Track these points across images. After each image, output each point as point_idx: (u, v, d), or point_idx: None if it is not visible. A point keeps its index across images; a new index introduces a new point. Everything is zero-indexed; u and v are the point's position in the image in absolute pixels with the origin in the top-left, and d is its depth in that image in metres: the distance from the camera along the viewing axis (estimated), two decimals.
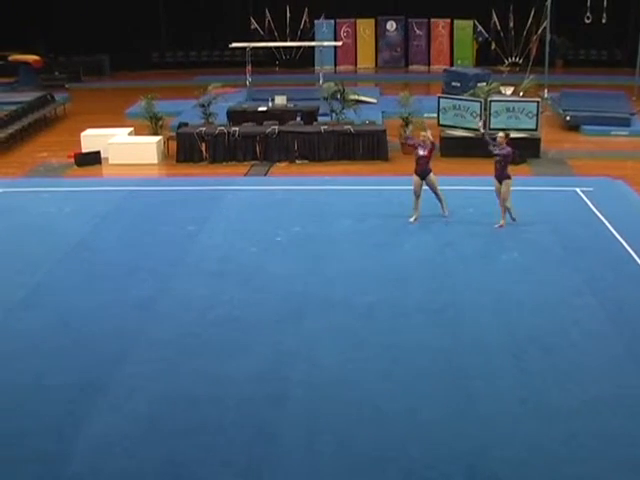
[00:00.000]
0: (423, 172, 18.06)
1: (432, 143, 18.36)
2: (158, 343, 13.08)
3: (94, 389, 11.73)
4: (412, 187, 18.22)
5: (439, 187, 18.35)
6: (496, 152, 17.68)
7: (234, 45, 32.85)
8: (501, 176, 17.68)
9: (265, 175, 23.40)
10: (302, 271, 15.80)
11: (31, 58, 38.74)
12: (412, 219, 18.19)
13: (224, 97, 27.39)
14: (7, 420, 11.06)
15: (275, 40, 39.81)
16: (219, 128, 24.99)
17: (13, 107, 30.30)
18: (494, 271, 15.73)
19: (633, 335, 13.09)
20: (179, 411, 11.17)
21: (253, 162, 24.39)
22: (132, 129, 26.62)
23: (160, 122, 26.69)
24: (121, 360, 12.53)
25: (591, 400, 11.25)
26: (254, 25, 41.14)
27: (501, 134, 18.07)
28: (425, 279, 15.40)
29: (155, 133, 26.21)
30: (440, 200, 18.43)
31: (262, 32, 41.08)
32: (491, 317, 13.78)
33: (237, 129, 24.90)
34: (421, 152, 18.14)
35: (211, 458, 10.13)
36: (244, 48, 32.54)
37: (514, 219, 17.96)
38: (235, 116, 26.98)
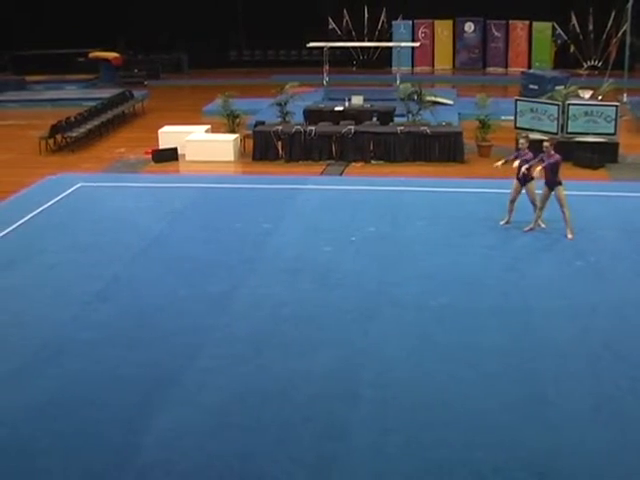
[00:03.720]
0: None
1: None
2: (231, 339, 13.17)
3: (166, 382, 11.85)
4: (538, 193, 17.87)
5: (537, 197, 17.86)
6: (545, 162, 17.27)
7: (312, 45, 32.91)
8: (552, 182, 17.33)
9: (340, 175, 23.42)
10: (375, 271, 15.79)
11: (111, 56, 39.31)
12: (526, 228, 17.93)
13: (301, 96, 27.48)
14: (81, 409, 11.23)
15: (353, 40, 39.83)
16: (295, 127, 25.08)
17: (93, 103, 30.83)
18: (568, 275, 15.55)
19: None
20: (250, 406, 11.23)
21: (329, 161, 24.43)
22: (209, 126, 26.83)
23: (237, 120, 26.87)
24: (194, 355, 12.64)
25: None
26: (332, 25, 41.25)
27: (546, 143, 17.59)
28: (498, 282, 15.28)
29: (232, 131, 26.39)
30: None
31: (340, 32, 41.16)
32: (564, 321, 13.63)
33: (313, 128, 24.97)
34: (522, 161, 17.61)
35: (280, 454, 10.17)
36: (322, 48, 32.58)
37: (542, 225, 17.68)
38: (312, 115, 27.06)
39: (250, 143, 25.35)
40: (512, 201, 17.93)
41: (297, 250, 16.95)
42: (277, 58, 44.46)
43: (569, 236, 17.26)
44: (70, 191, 21.27)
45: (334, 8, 41.16)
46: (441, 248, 16.94)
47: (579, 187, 19.51)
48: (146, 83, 39.01)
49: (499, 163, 18.21)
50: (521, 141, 18.12)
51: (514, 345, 12.83)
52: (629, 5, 31.77)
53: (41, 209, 19.85)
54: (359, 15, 41.71)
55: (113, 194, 21.16)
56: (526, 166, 17.38)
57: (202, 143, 25.27)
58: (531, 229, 17.70)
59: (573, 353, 12.57)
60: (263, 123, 26.11)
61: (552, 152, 17.33)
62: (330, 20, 41.17)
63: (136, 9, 41.95)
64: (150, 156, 25.01)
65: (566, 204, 17.25)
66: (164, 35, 41.79)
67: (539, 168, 17.21)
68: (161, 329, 13.50)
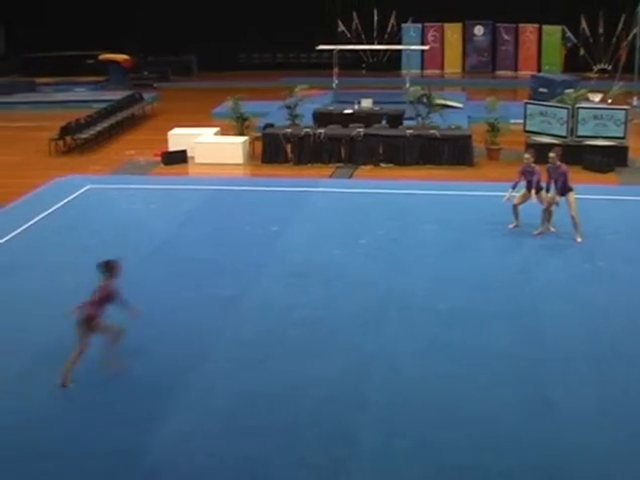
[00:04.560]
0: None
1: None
2: (239, 341, 13.19)
3: (175, 384, 11.88)
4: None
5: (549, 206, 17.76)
6: (554, 176, 17.27)
7: (321, 47, 32.92)
8: (563, 190, 17.28)
9: (350, 177, 23.44)
10: (385, 275, 15.79)
11: (121, 58, 39.37)
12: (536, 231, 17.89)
13: (310, 99, 27.50)
14: (89, 411, 11.28)
15: (362, 43, 39.83)
16: (305, 130, 25.11)
17: (102, 105, 30.89)
18: (577, 279, 15.55)
19: None
20: (258, 410, 11.25)
21: (338, 164, 24.44)
22: (218, 129, 26.87)
23: (246, 122, 26.90)
24: (202, 357, 12.66)
25: None
26: (341, 28, 41.27)
27: (552, 154, 17.42)
28: (507, 285, 15.28)
29: (241, 133, 26.41)
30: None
31: (349, 35, 41.18)
32: (573, 324, 13.62)
33: (323, 131, 24.99)
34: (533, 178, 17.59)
35: (288, 457, 10.18)
36: (331, 50, 32.61)
37: (552, 229, 17.68)
38: (321, 118, 27.07)
39: (259, 146, 25.38)
40: (516, 206, 17.90)
41: (306, 253, 16.96)
42: (287, 61, 44.49)
43: (578, 240, 17.24)
44: (79, 193, 21.32)
45: (344, 11, 41.16)
46: (450, 251, 16.94)
47: (588, 191, 19.48)
48: (156, 85, 39.08)
49: (506, 198, 17.97)
50: (526, 156, 18.07)
51: (522, 348, 12.83)
52: (639, 8, 31.74)
53: (50, 211, 19.89)
54: (369, 18, 41.73)
55: (122, 196, 21.19)
56: (533, 194, 17.47)
57: (211, 145, 25.30)
58: (540, 233, 17.69)
59: (581, 356, 12.56)
60: (272, 126, 26.14)
61: (558, 163, 17.31)
62: (340, 23, 41.18)
63: (146, 11, 42.04)
64: (159, 158, 25.06)
65: (575, 208, 17.23)
66: (174, 37, 41.81)
67: (555, 197, 17.22)
68: (170, 331, 13.52)
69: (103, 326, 11.90)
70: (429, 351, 12.80)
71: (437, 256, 16.72)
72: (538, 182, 17.49)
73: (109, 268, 12.11)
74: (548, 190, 17.48)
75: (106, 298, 11.90)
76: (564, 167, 17.32)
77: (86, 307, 11.80)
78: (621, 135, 24.08)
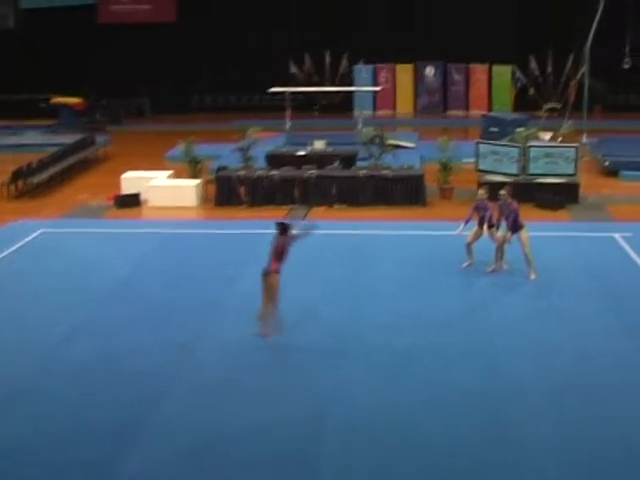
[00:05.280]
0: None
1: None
2: (196, 385, 13.17)
3: (131, 428, 11.83)
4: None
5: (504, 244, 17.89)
6: (505, 213, 17.50)
7: (273, 90, 33.11)
8: (514, 228, 17.47)
9: (304, 219, 23.47)
10: (342, 313, 15.86)
11: (72, 101, 39.30)
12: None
13: (263, 141, 27.59)
14: (47, 453, 11.21)
15: (314, 85, 40.08)
16: (258, 172, 25.21)
17: (55, 149, 30.74)
18: (531, 315, 15.72)
19: None
20: (215, 452, 11.22)
21: (292, 206, 24.50)
22: (172, 172, 26.87)
23: (199, 165, 26.95)
24: (161, 401, 12.62)
25: (633, 451, 11.13)
26: (293, 69, 41.52)
27: (502, 192, 17.71)
28: (462, 322, 15.41)
29: (194, 176, 26.44)
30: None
31: (301, 76, 41.41)
32: (528, 363, 13.74)
33: (276, 173, 25.10)
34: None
35: None
36: (283, 93, 32.80)
37: (505, 266, 17.86)
38: (274, 160, 27.21)
39: (213, 188, 25.40)
40: (469, 244, 18.08)
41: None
42: (239, 103, 44.64)
43: (532, 277, 17.41)
44: (32, 237, 21.21)
45: (296, 53, 41.43)
46: (406, 290, 17.05)
47: (541, 228, 19.70)
48: (108, 128, 39.01)
49: (457, 232, 18.13)
50: (480, 192, 18.31)
51: (479, 384, 12.94)
52: (587, 47, 32.27)
53: (3, 255, 19.79)
54: (320, 59, 42.02)
55: (76, 240, 21.10)
56: (486, 229, 17.68)
57: (165, 189, 25.30)
58: (494, 270, 17.85)
59: (537, 395, 12.67)
60: (226, 168, 26.21)
61: (509, 200, 17.54)
62: (292, 64, 41.43)
63: (99, 54, 42.09)
64: (112, 202, 25.00)
65: (528, 245, 17.42)
66: (126, 80, 41.83)
67: (506, 235, 17.43)
68: (128, 375, 13.47)
69: (276, 282, 14.50)
70: (387, 388, 12.86)
71: (393, 294, 16.83)
72: (491, 218, 17.69)
73: (282, 227, 14.73)
74: (498, 228, 17.68)
75: (281, 253, 14.57)
76: (515, 204, 17.54)
77: (269, 264, 14.43)
78: (572, 172, 24.43)
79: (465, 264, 18.16)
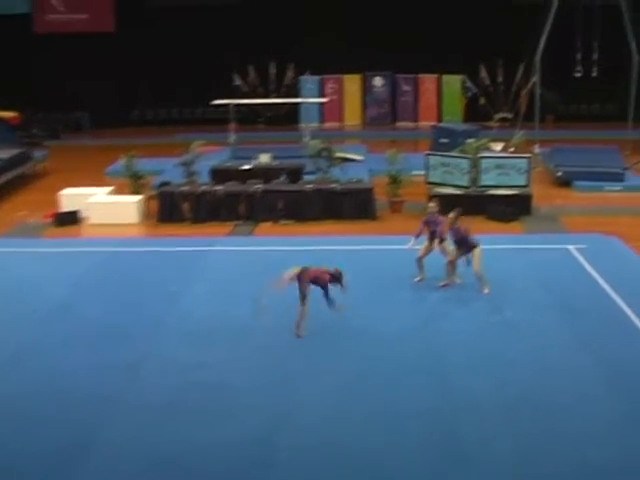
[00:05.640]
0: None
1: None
2: (140, 407, 13.09)
3: (75, 453, 11.74)
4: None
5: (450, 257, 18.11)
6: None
7: (217, 102, 33.08)
8: (467, 249, 17.59)
9: (249, 235, 23.50)
10: (289, 333, 15.74)
11: (8, 115, 38.91)
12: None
13: (207, 155, 27.55)
14: None
15: (259, 96, 40.12)
16: (202, 187, 25.16)
17: None
18: (485, 331, 15.80)
19: (630, 397, 13.14)
20: (160, 475, 11.18)
21: (237, 222, 24.49)
22: (112, 188, 26.70)
23: (141, 181, 26.82)
24: (102, 423, 12.53)
25: (589, 466, 11.26)
26: (237, 81, 41.53)
27: (431, 203, 18.00)
28: (415, 339, 15.46)
29: (136, 192, 26.30)
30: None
31: (246, 88, 41.43)
32: (483, 378, 13.82)
33: (220, 188, 25.07)
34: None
35: None
36: (227, 105, 32.80)
37: (457, 280, 18.00)
38: (218, 175, 27.20)
39: (155, 205, 25.31)
40: (420, 258, 18.18)
41: (207, 314, 16.90)
42: (182, 116, 44.59)
43: (485, 291, 17.54)
44: None
45: (239, 64, 41.45)
46: (357, 308, 17.01)
47: (493, 241, 19.84)
48: (46, 143, 38.70)
49: (408, 246, 18.26)
50: (431, 204, 18.41)
51: (433, 404, 12.97)
52: (537, 56, 32.63)
53: None
54: (265, 70, 42.10)
55: (12, 260, 20.91)
56: (437, 244, 17.86)
57: (105, 205, 25.16)
58: (446, 285, 17.95)
59: (492, 410, 12.76)
60: (168, 184, 26.14)
61: (438, 217, 17.70)
62: (235, 76, 41.44)
63: (35, 66, 41.84)
64: (51, 220, 24.80)
65: (479, 263, 17.48)
66: (64, 93, 41.57)
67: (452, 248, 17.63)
68: (70, 398, 13.37)
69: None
70: (339, 409, 12.86)
71: (340, 316, 16.77)
72: (442, 233, 17.81)
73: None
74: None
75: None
76: (441, 218, 17.70)
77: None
78: (524, 184, 24.69)
79: (416, 279, 18.26)
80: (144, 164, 27.60)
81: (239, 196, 24.86)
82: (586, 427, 12.24)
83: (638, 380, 13.71)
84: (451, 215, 17.74)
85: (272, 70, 42.24)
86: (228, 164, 28.83)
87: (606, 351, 14.80)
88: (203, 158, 26.70)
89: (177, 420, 12.64)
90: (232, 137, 32.10)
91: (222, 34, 41.83)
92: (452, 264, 17.85)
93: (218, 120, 37.40)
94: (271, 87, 42.14)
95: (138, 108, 44.72)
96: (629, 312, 16.47)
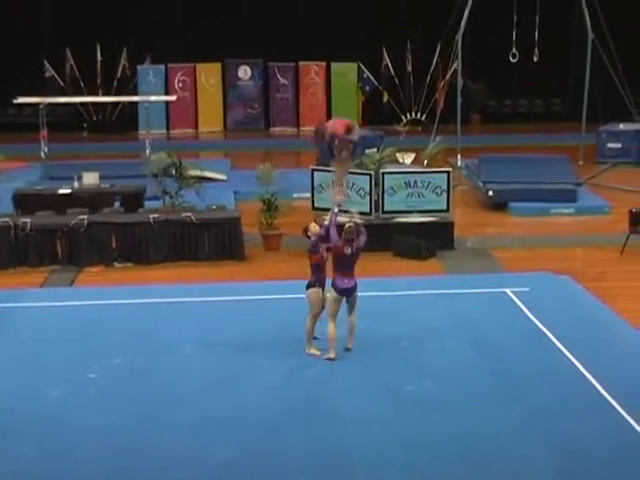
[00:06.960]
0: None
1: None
2: None
3: None
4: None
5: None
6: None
7: (21, 100, 32.74)
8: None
9: (70, 285, 23.20)
10: (128, 420, 15.56)
11: None
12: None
13: (8, 175, 27.25)
14: None
15: (81, 93, 39.88)
16: (2, 220, 24.74)
17: None
18: (398, 407, 15.73)
19: None
20: None
21: (53, 267, 24.17)
22: None
23: None
24: None
25: None
26: (50, 72, 41.19)
27: (312, 225, 18.19)
28: (302, 425, 15.31)
29: None
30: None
31: (62, 82, 41.15)
32: (399, 476, 13.75)
33: (28, 220, 24.69)
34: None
35: None
36: (36, 104, 32.47)
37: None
38: (25, 202, 26.91)
39: None
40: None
41: (9, 397, 16.54)
42: None
43: (331, 356, 17.51)
44: None
45: (53, 48, 41.14)
46: (218, 384, 16.85)
47: (404, 285, 19.96)
48: None
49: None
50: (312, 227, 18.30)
51: None
52: (458, 36, 32.94)
53: None
54: (90, 57, 41.80)
55: None
56: None
57: None
58: (348, 349, 17.82)
59: None
60: None
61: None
62: (47, 65, 41.09)
63: None
64: None
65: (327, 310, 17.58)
66: None
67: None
68: None
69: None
70: None
71: (200, 391, 16.58)
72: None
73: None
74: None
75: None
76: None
77: None
78: (443, 207, 24.82)
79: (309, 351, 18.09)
80: None
81: (55, 232, 24.54)
82: None
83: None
84: (312, 224, 18.02)
85: (98, 56, 42.00)
86: (39, 187, 28.53)
87: (560, 430, 14.76)
88: (3, 179, 26.36)
89: None
90: (44, 149, 31.78)
91: (27, 10, 41.52)
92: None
93: (24, 125, 37.11)
94: (98, 80, 41.91)
95: None
96: (587, 374, 16.63)
